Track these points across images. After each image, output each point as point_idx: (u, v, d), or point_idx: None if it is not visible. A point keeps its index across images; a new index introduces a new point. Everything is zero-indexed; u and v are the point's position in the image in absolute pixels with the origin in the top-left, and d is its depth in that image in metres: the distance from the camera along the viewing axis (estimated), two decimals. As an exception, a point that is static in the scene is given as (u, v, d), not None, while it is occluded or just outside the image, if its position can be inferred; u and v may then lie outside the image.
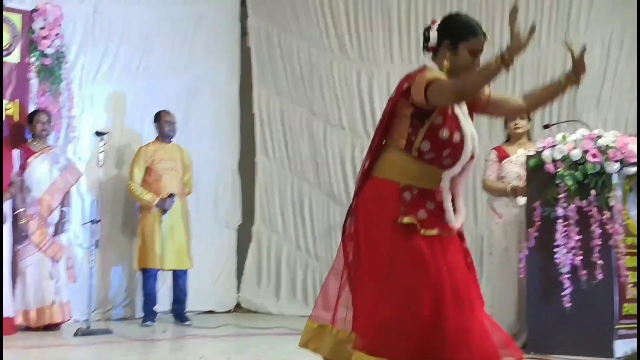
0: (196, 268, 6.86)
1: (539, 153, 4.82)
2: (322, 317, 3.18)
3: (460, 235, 3.08)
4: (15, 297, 5.82)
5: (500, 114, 3.12)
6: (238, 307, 7.88)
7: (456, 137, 2.99)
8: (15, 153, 5.95)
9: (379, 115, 7.44)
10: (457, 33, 2.99)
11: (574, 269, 4.59)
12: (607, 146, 4.57)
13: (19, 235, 5.85)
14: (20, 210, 5.88)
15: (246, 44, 8.09)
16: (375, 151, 3.10)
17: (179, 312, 6.67)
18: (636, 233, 4.72)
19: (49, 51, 6.28)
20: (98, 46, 6.79)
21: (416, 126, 2.98)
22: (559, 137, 4.76)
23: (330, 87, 7.74)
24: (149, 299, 6.54)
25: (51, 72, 6.31)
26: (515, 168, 5.44)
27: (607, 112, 6.42)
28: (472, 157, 3.05)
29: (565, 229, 4.60)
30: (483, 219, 6.90)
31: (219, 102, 7.81)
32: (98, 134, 6.35)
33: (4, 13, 6.10)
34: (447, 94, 2.89)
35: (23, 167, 5.98)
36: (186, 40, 7.49)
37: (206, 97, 7.67)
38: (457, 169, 3.03)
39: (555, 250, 4.64)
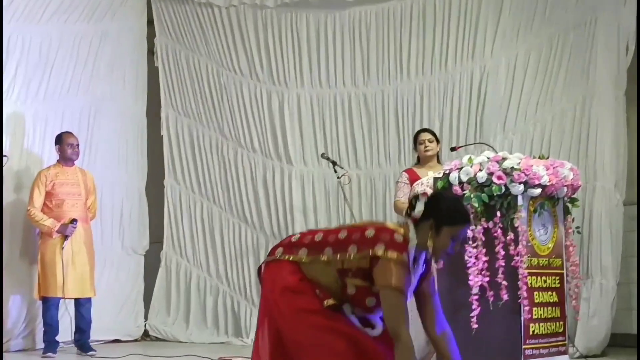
0: (101, 295, 6.70)
1: (446, 175, 4.90)
2: None
3: None
4: None
5: (421, 314, 3.27)
6: (146, 336, 7.72)
7: (378, 310, 3.14)
8: None
9: (290, 137, 7.56)
10: (444, 217, 3.07)
11: (481, 290, 4.67)
12: (512, 168, 4.68)
13: None
14: None
15: (154, 63, 8.02)
16: (318, 247, 3.19)
17: (82, 342, 6.49)
18: (542, 253, 4.86)
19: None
20: (-5, 65, 6.57)
21: (359, 273, 3.09)
22: (465, 159, 4.85)
23: (240, 108, 7.73)
24: (50, 329, 6.34)
25: (-55, 92, 6.08)
26: (425, 190, 5.53)
27: (512, 135, 6.62)
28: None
29: (474, 250, 4.68)
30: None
31: (124, 123, 7.69)
32: (-5, 156, 6.16)
33: None
34: (391, 321, 3.03)
35: None
36: (89, 59, 7.35)
37: (111, 118, 7.53)
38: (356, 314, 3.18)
39: (468, 272, 4.71)
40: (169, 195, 8.01)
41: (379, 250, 3.04)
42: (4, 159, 6.16)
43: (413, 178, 5.69)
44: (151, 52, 8.00)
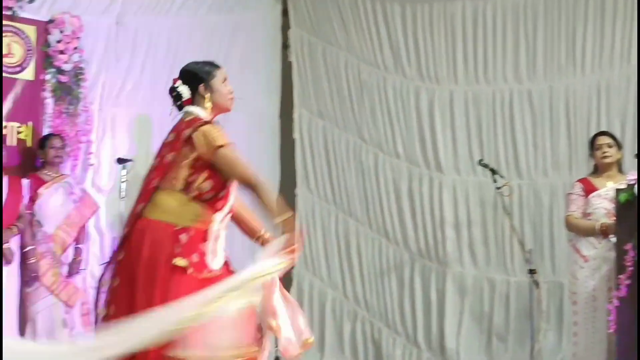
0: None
1: (630, 186, 4.89)
2: None
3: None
4: (23, 347, 5.94)
5: None
6: (276, 363, 7.94)
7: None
8: (25, 183, 6.06)
9: (441, 140, 7.63)
10: (205, 74, 3.87)
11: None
12: None
13: (28, 277, 5.94)
14: (29, 247, 5.96)
15: (287, 58, 8.27)
16: (148, 193, 3.75)
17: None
18: None
19: (66, 67, 6.42)
20: (121, 62, 6.92)
21: (198, 168, 3.71)
22: (655, 167, 4.81)
23: (383, 108, 7.86)
24: None
25: (68, 91, 6.45)
26: (604, 203, 5.51)
27: None
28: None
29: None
30: (562, 264, 6.94)
31: (256, 125, 7.95)
32: (120, 161, 6.53)
33: (17, 25, 6.33)
34: (239, 173, 3.71)
35: (33, 199, 6.06)
36: (220, 54, 7.60)
37: (242, 119, 7.77)
38: (226, 210, 3.78)
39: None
40: (301, 207, 8.22)
41: (187, 134, 3.72)
42: (129, 164, 6.53)
43: (588, 189, 5.68)
44: (285, 46, 8.26)
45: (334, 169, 8.12)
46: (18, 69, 6.35)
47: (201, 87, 3.86)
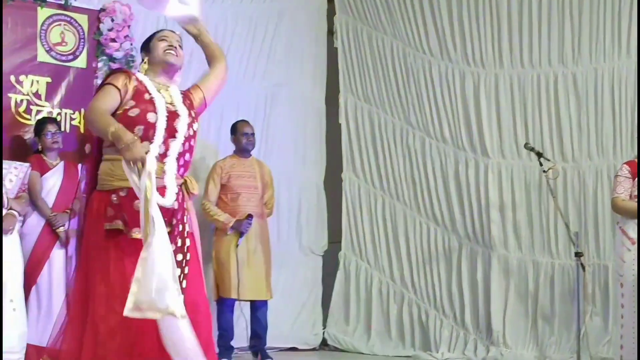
0: (277, 299, 6.94)
1: (679, 168, 4.80)
2: None
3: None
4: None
5: (210, 90, 4.17)
6: (324, 345, 7.96)
7: (150, 117, 3.63)
8: (79, 167, 6.17)
9: (486, 125, 7.58)
10: (146, 41, 3.91)
11: None
12: None
13: (83, 259, 6.07)
14: (83, 231, 6.10)
15: (333, 44, 8.27)
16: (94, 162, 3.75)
17: (258, 349, 6.76)
18: None
19: (118, 55, 6.49)
20: (170, 49, 7.00)
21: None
22: (703, 149, 4.73)
23: (429, 93, 7.83)
24: (225, 333, 6.61)
25: (120, 79, 6.54)
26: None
27: None
28: (175, 136, 3.71)
29: None
30: (607, 247, 6.87)
31: (302, 111, 7.97)
32: (169, 146, 6.58)
33: (69, 14, 6.43)
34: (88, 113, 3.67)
35: (87, 183, 6.22)
36: (265, 41, 7.66)
37: (288, 105, 7.82)
38: (155, 147, 3.60)
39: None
40: (348, 191, 8.24)
41: None
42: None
43: (635, 171, 5.60)
44: (331, 32, 8.27)
45: (380, 153, 8.12)
46: (71, 57, 6.45)
47: (142, 54, 3.93)
